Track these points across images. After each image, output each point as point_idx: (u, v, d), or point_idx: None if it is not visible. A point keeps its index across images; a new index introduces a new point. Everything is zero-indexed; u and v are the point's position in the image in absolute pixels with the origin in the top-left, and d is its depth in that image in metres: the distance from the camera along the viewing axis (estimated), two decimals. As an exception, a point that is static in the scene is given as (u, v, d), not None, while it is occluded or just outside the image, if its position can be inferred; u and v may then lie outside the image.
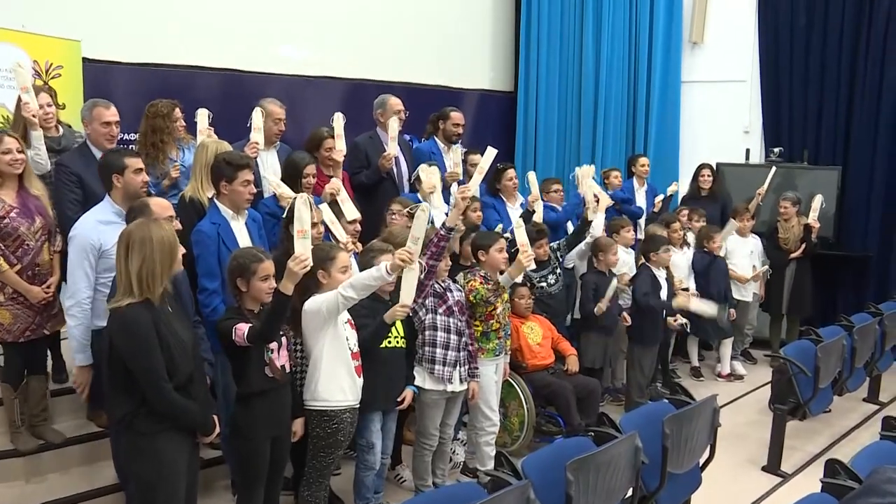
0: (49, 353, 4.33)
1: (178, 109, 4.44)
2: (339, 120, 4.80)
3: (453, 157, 5.35)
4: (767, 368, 6.67)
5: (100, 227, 3.55)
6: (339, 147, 4.79)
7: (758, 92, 7.80)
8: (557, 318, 5.15)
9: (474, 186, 3.90)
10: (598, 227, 5.54)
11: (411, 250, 3.28)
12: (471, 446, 4.47)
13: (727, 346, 6.50)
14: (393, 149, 5.07)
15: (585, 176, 5.54)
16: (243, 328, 3.01)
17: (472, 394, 4.08)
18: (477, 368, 4.10)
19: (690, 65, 8.21)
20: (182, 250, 2.94)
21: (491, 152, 4.04)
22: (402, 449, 4.46)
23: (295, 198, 3.21)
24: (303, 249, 3.01)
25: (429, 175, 4.68)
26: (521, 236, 4.17)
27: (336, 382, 3.37)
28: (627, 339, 5.55)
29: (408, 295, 3.38)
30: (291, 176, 4.27)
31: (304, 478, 3.50)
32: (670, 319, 5.52)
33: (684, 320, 5.60)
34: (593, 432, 3.32)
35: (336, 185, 4.42)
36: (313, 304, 3.27)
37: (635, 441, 3.09)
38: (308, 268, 3.01)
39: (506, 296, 4.30)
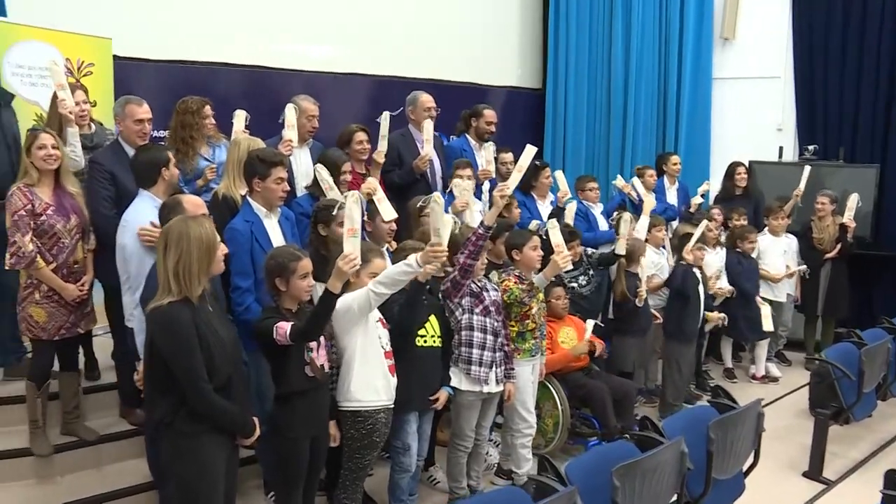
0: (81, 350, 4.31)
1: (208, 106, 4.40)
2: (385, 120, 4.74)
3: (486, 154, 5.28)
4: (802, 370, 6.59)
5: (152, 217, 3.51)
6: (381, 148, 4.72)
7: (791, 88, 7.67)
8: (590, 318, 5.05)
9: (513, 185, 3.83)
10: (641, 229, 5.46)
11: (439, 242, 3.19)
12: (505, 448, 4.40)
13: (762, 348, 6.38)
14: (428, 150, 5.00)
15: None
16: (285, 327, 2.96)
17: (508, 395, 4.01)
18: (513, 369, 4.03)
19: (721, 61, 8.09)
20: (224, 250, 2.90)
21: (530, 150, 3.97)
22: (436, 450, 4.40)
23: (346, 196, 3.14)
24: (352, 248, 2.95)
25: (462, 191, 4.62)
26: (556, 237, 4.10)
27: (369, 382, 3.31)
28: (663, 339, 5.45)
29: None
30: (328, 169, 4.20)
31: (339, 480, 3.45)
32: (712, 314, 5.43)
33: (724, 315, 5.54)
34: (635, 436, 3.24)
35: (372, 184, 4.37)
36: (344, 302, 3.18)
37: (681, 446, 3.01)
38: (357, 267, 2.96)
39: (541, 296, 4.23)
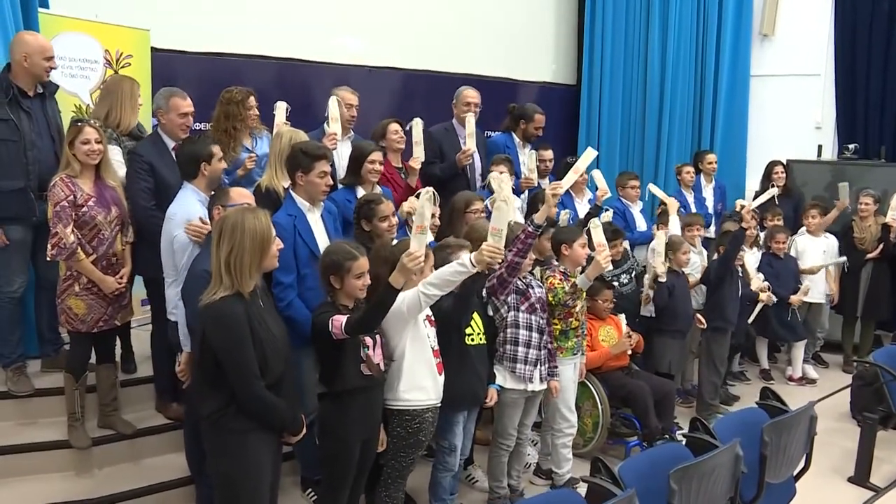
0: (119, 342, 4.30)
1: (252, 97, 4.37)
2: (417, 126, 4.67)
3: (528, 162, 5.22)
4: (840, 373, 6.49)
5: (197, 211, 3.49)
6: (416, 154, 4.65)
7: (832, 86, 7.52)
8: (628, 317, 4.97)
9: (566, 185, 3.79)
10: (674, 226, 5.38)
11: (498, 246, 3.09)
12: (544, 447, 4.34)
13: (799, 349, 6.27)
14: (471, 145, 4.94)
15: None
16: (340, 319, 2.91)
17: (554, 392, 3.95)
18: (556, 367, 3.97)
19: (760, 58, 7.96)
20: (280, 245, 2.85)
21: (590, 153, 3.92)
22: (474, 449, 4.33)
23: (421, 193, 3.09)
24: (418, 246, 2.89)
25: (500, 185, 4.55)
26: (599, 236, 4.02)
27: (418, 382, 3.26)
28: (701, 336, 5.36)
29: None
30: (356, 160, 4.15)
31: (381, 477, 3.40)
32: (763, 295, 5.44)
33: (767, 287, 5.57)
34: (687, 438, 3.17)
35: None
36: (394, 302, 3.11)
37: (736, 450, 2.94)
38: (421, 265, 2.91)
39: (583, 294, 4.16)
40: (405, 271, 2.87)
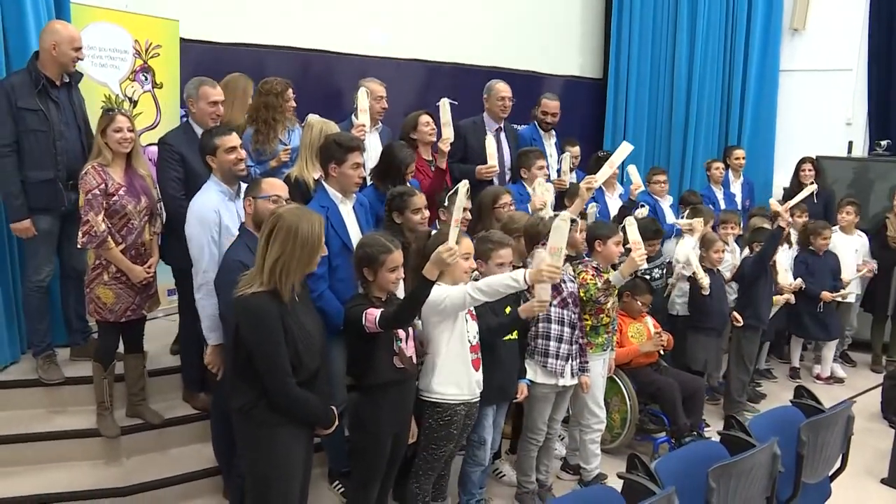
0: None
1: (290, 89, 4.35)
2: (445, 105, 4.58)
3: (563, 164, 5.19)
4: (868, 372, 6.40)
5: (218, 204, 3.49)
6: (445, 135, 4.54)
7: (864, 81, 7.42)
8: (658, 315, 4.92)
9: (601, 178, 3.74)
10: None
11: (556, 264, 3.05)
12: (572, 443, 4.31)
13: (829, 349, 6.19)
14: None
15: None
16: (374, 313, 2.89)
17: (584, 387, 3.92)
18: (587, 362, 3.93)
19: (790, 52, 7.86)
20: (324, 252, 2.82)
21: (626, 147, 3.85)
22: (501, 443, 4.31)
23: (458, 187, 3.06)
24: (454, 238, 2.89)
25: (543, 191, 4.53)
26: (634, 234, 3.98)
27: (452, 377, 3.24)
28: (733, 333, 5.29)
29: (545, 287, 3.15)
30: (397, 170, 4.04)
31: (412, 469, 3.39)
32: (780, 298, 5.38)
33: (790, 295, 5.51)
34: (723, 436, 3.13)
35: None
36: (436, 295, 3.04)
37: (774, 448, 2.90)
38: (456, 258, 2.90)
39: (615, 291, 4.11)
40: (440, 262, 2.84)
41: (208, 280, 3.37)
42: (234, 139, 3.57)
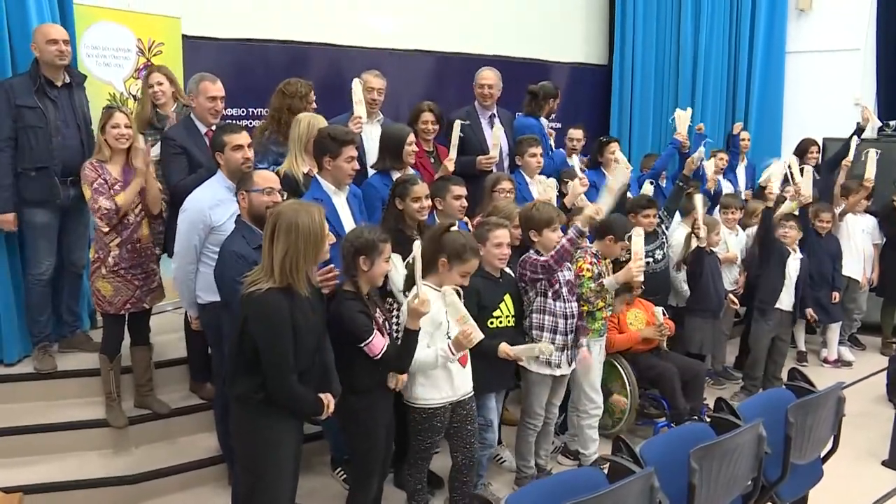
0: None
1: (312, 92, 4.35)
2: (456, 128, 4.62)
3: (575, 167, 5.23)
4: (877, 355, 6.37)
5: (213, 203, 3.54)
6: (451, 155, 4.59)
7: (872, 62, 7.33)
8: (658, 296, 4.88)
9: (606, 209, 3.77)
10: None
11: (468, 328, 3.16)
12: (572, 428, 4.35)
13: (833, 331, 6.17)
14: (494, 154, 4.80)
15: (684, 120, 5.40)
16: (380, 345, 2.96)
17: (585, 361, 3.96)
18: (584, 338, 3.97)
19: (796, 33, 7.77)
20: (332, 239, 2.85)
21: (623, 170, 3.90)
22: (501, 429, 4.36)
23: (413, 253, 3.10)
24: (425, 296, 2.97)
25: (546, 188, 4.54)
26: (638, 245, 3.98)
27: (433, 383, 3.30)
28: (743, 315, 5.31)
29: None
30: (396, 146, 4.13)
31: (406, 458, 3.45)
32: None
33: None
34: (711, 418, 3.16)
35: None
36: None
37: (759, 430, 2.92)
38: (428, 309, 2.98)
39: (608, 296, 4.13)
40: (417, 314, 2.94)
41: (184, 268, 3.59)
42: (241, 138, 3.61)
